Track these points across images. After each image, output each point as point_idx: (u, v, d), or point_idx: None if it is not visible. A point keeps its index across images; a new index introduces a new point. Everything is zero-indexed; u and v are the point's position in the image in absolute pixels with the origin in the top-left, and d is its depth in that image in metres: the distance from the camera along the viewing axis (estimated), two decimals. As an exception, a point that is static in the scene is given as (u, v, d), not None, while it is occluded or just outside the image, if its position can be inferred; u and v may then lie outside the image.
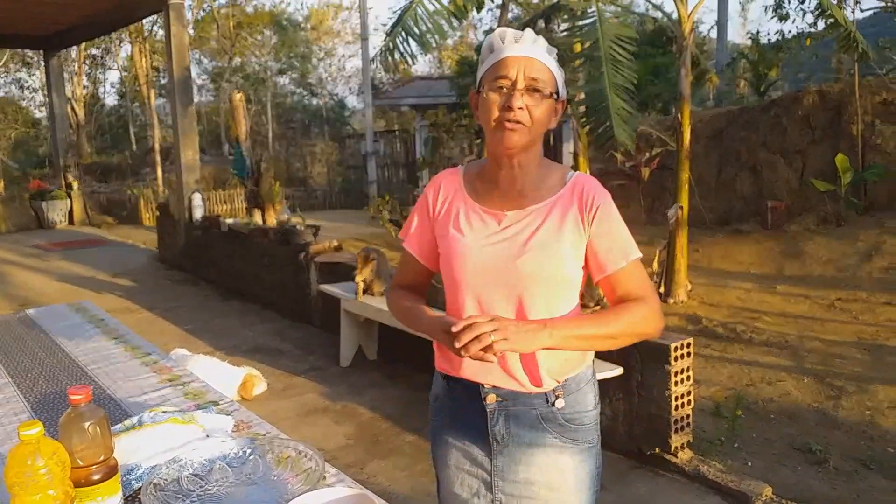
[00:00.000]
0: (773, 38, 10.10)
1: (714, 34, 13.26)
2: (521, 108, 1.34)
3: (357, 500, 1.31)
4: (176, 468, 1.47)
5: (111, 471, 1.26)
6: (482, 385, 1.48)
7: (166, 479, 1.42)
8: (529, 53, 1.37)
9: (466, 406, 1.52)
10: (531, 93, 1.36)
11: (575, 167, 5.81)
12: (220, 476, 1.50)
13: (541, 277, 1.41)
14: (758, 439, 3.66)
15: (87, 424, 1.23)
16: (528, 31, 1.41)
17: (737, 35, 26.13)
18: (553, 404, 1.47)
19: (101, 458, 1.25)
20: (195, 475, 1.48)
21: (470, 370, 1.48)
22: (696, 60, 6.30)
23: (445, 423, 1.60)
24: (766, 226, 7.77)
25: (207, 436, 1.71)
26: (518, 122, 1.35)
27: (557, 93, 1.41)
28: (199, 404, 1.98)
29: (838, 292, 6.05)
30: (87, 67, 23.35)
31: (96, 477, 1.24)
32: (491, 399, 1.48)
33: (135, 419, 1.78)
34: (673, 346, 3.25)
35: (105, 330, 2.79)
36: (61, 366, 2.37)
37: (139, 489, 1.43)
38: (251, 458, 1.55)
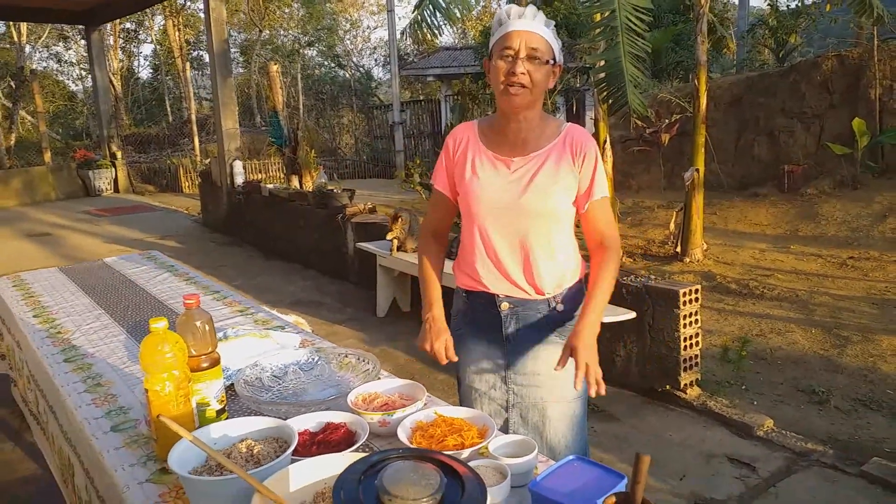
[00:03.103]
0: (793, 5, 10.09)
1: (737, 1, 13.20)
2: (523, 73, 1.64)
3: (409, 388, 1.66)
4: (258, 370, 1.82)
5: (215, 362, 1.58)
6: (497, 295, 1.82)
7: (252, 378, 1.78)
8: (530, 28, 1.66)
9: (484, 314, 1.87)
10: (531, 60, 1.65)
11: (596, 133, 6.04)
12: (294, 377, 1.86)
13: (541, 210, 1.74)
14: (764, 382, 3.93)
15: (198, 323, 1.55)
16: (530, 7, 1.71)
17: (762, 1, 25.63)
18: (554, 309, 1.83)
19: (209, 349, 1.57)
20: (274, 376, 1.84)
21: (488, 283, 1.83)
22: (713, 27, 6.44)
23: (466, 332, 1.92)
24: (782, 189, 7.91)
25: (281, 347, 2.07)
26: (521, 86, 1.65)
27: (554, 59, 1.70)
28: (268, 328, 2.34)
29: (851, 251, 6.23)
30: (121, 41, 23.81)
31: (205, 365, 1.55)
32: (504, 306, 1.83)
33: (220, 334, 2.15)
34: (682, 291, 3.55)
35: (176, 273, 3.18)
36: (144, 301, 2.75)
37: (230, 385, 1.79)
38: (318, 363, 1.90)
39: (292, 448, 1.31)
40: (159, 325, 1.45)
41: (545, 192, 1.72)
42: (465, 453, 1.35)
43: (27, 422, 2.81)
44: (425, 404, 1.58)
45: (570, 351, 1.65)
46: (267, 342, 2.10)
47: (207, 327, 1.58)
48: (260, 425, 1.43)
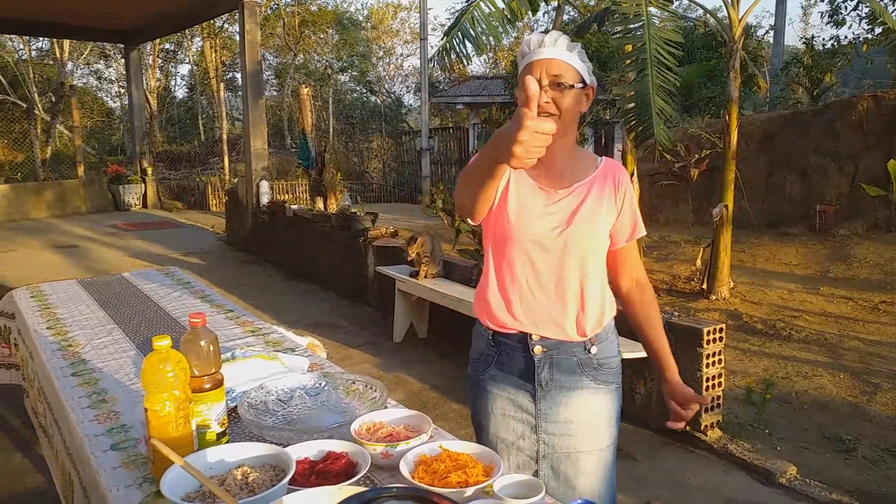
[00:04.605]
0: (828, 44, 10.02)
1: (771, 38, 13.15)
2: (547, 102, 1.59)
3: (415, 419, 1.61)
4: (263, 393, 1.78)
5: (218, 383, 1.54)
6: (530, 337, 1.71)
7: (256, 401, 1.74)
8: (550, 55, 1.61)
9: (513, 357, 1.74)
10: (555, 87, 1.60)
11: (623, 165, 5.99)
12: (299, 402, 1.81)
13: (586, 243, 1.67)
14: (789, 427, 3.81)
15: (202, 342, 1.51)
16: (550, 35, 1.64)
17: (797, 39, 25.65)
18: (589, 351, 1.72)
19: (213, 370, 1.52)
20: (279, 400, 1.80)
21: (523, 322, 1.71)
22: (745, 64, 6.40)
23: (490, 376, 1.79)
24: (814, 229, 7.78)
25: (288, 371, 2.04)
26: (548, 114, 1.59)
27: (584, 82, 1.64)
28: (278, 350, 2.31)
29: (883, 295, 6.07)
30: (160, 61, 24.40)
31: (207, 386, 1.51)
32: (538, 350, 1.71)
33: (228, 354, 2.12)
34: (705, 329, 3.46)
35: (192, 291, 3.16)
36: (157, 316, 2.74)
37: (234, 407, 1.75)
38: (325, 388, 1.86)
39: (288, 477, 1.26)
40: (163, 343, 1.41)
41: (592, 225, 1.66)
42: (469, 491, 1.29)
43: (38, 433, 2.80)
44: (431, 437, 1.52)
45: (687, 400, 1.79)
46: (275, 364, 2.06)
47: (212, 347, 1.54)
48: (258, 452, 1.39)
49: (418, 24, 15.27)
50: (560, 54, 1.61)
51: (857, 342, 5.12)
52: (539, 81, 1.58)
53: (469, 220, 1.65)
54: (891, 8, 10.00)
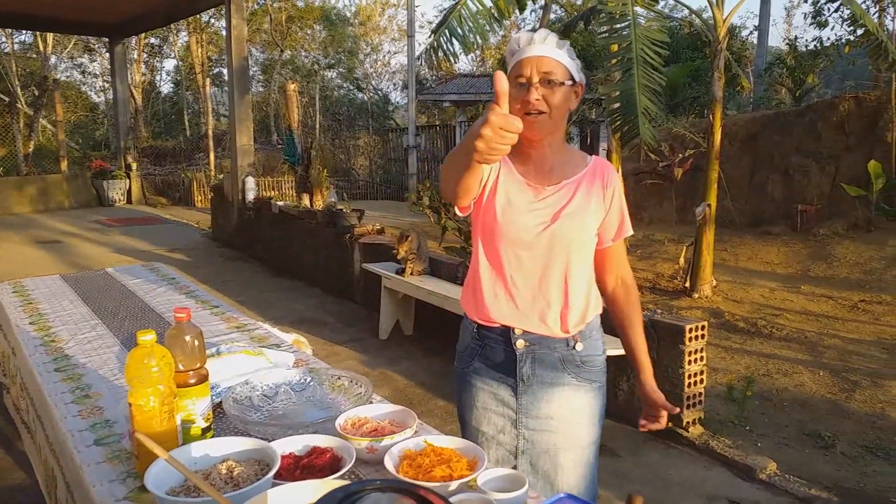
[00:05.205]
0: (811, 45, 10.13)
1: (755, 40, 13.26)
2: (538, 99, 1.60)
3: (400, 414, 1.62)
4: (248, 389, 1.78)
5: (203, 378, 1.54)
6: (513, 331, 1.71)
7: (241, 396, 1.74)
8: (540, 52, 1.61)
9: (496, 351, 1.75)
10: (545, 84, 1.61)
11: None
12: (284, 397, 1.81)
13: (574, 239, 1.68)
14: (769, 424, 3.85)
15: (187, 337, 1.52)
16: (539, 32, 1.65)
17: (781, 40, 25.86)
18: (574, 347, 1.72)
19: (197, 365, 1.53)
20: (264, 395, 1.80)
21: (507, 317, 1.72)
22: (729, 65, 6.46)
23: (474, 369, 1.80)
24: (795, 228, 7.86)
25: (274, 366, 2.04)
26: (538, 112, 1.60)
27: (573, 79, 1.66)
28: (263, 346, 2.31)
29: (862, 294, 6.15)
30: (145, 56, 24.20)
31: (192, 381, 1.51)
32: (521, 344, 1.71)
33: (213, 350, 2.12)
34: (688, 327, 3.49)
35: (177, 286, 3.16)
36: (142, 312, 2.73)
37: (219, 402, 1.76)
38: (311, 384, 1.86)
39: (273, 471, 1.27)
40: (147, 337, 1.42)
41: (577, 221, 1.67)
42: (453, 485, 1.30)
43: (20, 430, 2.78)
44: (416, 432, 1.53)
45: (657, 406, 1.80)
46: (260, 360, 2.07)
47: (197, 342, 1.54)
48: (243, 446, 1.40)
49: (406, 22, 15.25)
50: (550, 51, 1.62)
51: (836, 340, 5.19)
52: (529, 79, 1.60)
53: (453, 203, 1.67)
54: (872, 10, 10.15)
